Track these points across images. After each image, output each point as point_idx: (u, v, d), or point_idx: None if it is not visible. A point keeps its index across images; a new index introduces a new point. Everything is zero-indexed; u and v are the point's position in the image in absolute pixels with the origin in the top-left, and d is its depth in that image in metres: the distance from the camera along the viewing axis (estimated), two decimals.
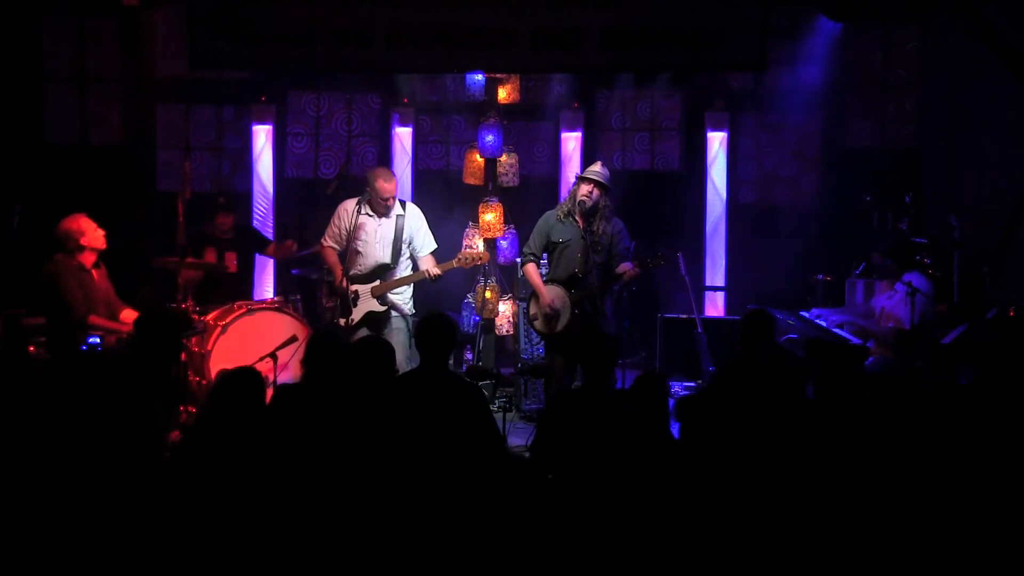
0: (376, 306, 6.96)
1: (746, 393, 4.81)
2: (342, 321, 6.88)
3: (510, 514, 4.51)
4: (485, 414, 4.94)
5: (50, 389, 4.73)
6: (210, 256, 8.03)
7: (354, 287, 6.93)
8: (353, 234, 6.91)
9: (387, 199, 6.90)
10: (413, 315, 7.15)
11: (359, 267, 6.99)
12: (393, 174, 7.07)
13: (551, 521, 4.49)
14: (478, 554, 4.30)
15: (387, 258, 6.99)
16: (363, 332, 6.98)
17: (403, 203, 7.15)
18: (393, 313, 7.01)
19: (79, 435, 4.42)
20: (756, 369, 5.15)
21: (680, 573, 4.22)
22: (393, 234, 6.99)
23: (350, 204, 7.03)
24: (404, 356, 6.89)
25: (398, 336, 6.98)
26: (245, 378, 4.62)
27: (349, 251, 6.92)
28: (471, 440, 4.77)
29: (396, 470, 4.50)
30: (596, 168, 6.87)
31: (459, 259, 7.02)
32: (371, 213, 6.95)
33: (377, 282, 6.97)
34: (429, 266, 6.96)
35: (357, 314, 6.93)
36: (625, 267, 6.67)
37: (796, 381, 4.99)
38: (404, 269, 7.07)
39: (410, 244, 7.05)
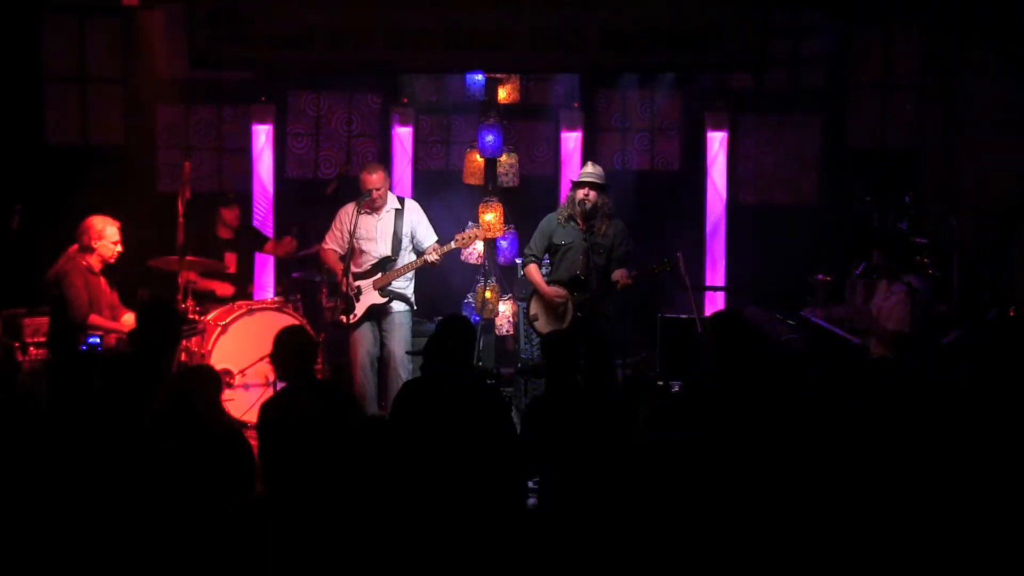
0: (377, 298, 7.02)
1: (736, 395, 4.79)
2: (344, 319, 6.91)
3: (520, 514, 4.55)
4: (505, 416, 4.97)
5: (49, 389, 4.73)
6: (230, 261, 8.05)
7: (356, 283, 6.99)
8: (354, 233, 6.96)
9: (371, 191, 6.95)
10: (415, 310, 7.20)
11: (363, 264, 7.06)
12: (377, 166, 7.12)
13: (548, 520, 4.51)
14: (496, 552, 4.32)
15: (388, 251, 7.06)
16: (365, 327, 7.02)
17: (401, 199, 7.22)
18: (395, 307, 7.05)
19: (78, 435, 4.42)
20: (736, 373, 5.08)
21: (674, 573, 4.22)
22: (392, 228, 7.08)
23: (349, 206, 7.12)
24: (404, 352, 6.92)
25: (400, 331, 7.04)
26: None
27: (354, 250, 6.97)
28: (491, 441, 4.78)
29: (416, 470, 4.51)
30: (588, 169, 6.91)
31: (457, 240, 7.12)
32: (369, 211, 7.00)
33: (379, 275, 7.04)
34: (430, 252, 7.01)
35: (360, 309, 6.99)
36: (617, 275, 6.69)
37: (795, 382, 4.99)
38: (405, 262, 7.12)
39: (412, 239, 7.12)
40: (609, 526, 4.30)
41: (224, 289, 7.95)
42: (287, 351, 4.92)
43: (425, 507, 4.40)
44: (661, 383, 8.45)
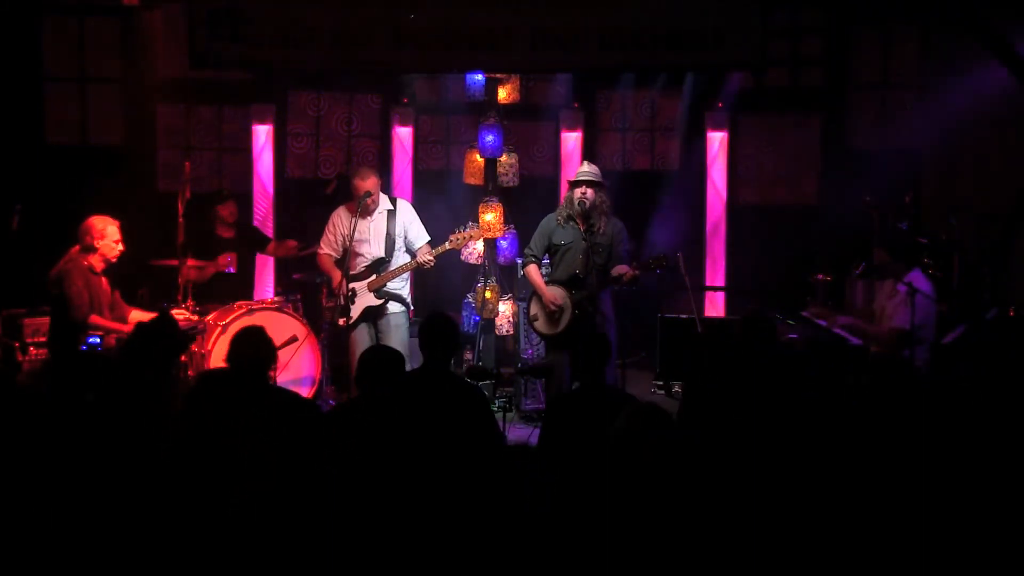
0: (373, 300, 7.02)
1: (747, 394, 4.81)
2: (341, 321, 6.91)
3: (512, 513, 4.51)
4: (486, 414, 4.95)
5: (49, 388, 4.73)
6: (225, 260, 8.04)
7: (352, 285, 6.98)
8: (349, 237, 6.94)
9: (364, 196, 6.93)
10: (412, 312, 7.20)
11: (357, 266, 7.06)
12: (369, 171, 7.09)
13: (555, 519, 4.49)
14: (480, 554, 4.30)
15: (382, 252, 7.06)
16: (362, 328, 7.01)
17: (393, 200, 7.22)
18: (391, 308, 7.05)
19: (77, 435, 4.42)
20: (755, 371, 5.12)
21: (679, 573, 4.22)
22: (386, 230, 7.07)
23: (342, 210, 7.13)
24: (404, 354, 6.90)
25: (397, 333, 7.04)
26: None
27: (349, 253, 6.97)
28: (473, 440, 4.77)
29: (398, 471, 4.50)
30: (584, 168, 6.91)
31: (451, 241, 7.11)
32: (362, 214, 6.98)
33: (374, 276, 7.03)
34: (422, 254, 6.99)
35: (355, 311, 6.98)
36: (621, 269, 6.70)
37: (796, 384, 4.99)
38: (400, 262, 7.12)
39: (405, 238, 7.10)
40: (614, 527, 4.30)
41: (223, 260, 7.84)
42: (241, 354, 4.84)
43: (401, 504, 4.40)
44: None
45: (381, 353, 5.01)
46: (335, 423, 4.77)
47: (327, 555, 4.16)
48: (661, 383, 8.61)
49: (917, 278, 6.73)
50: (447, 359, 5.12)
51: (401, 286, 7.15)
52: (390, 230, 7.09)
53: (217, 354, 7.19)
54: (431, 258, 7.01)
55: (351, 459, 4.46)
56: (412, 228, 7.15)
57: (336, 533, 4.21)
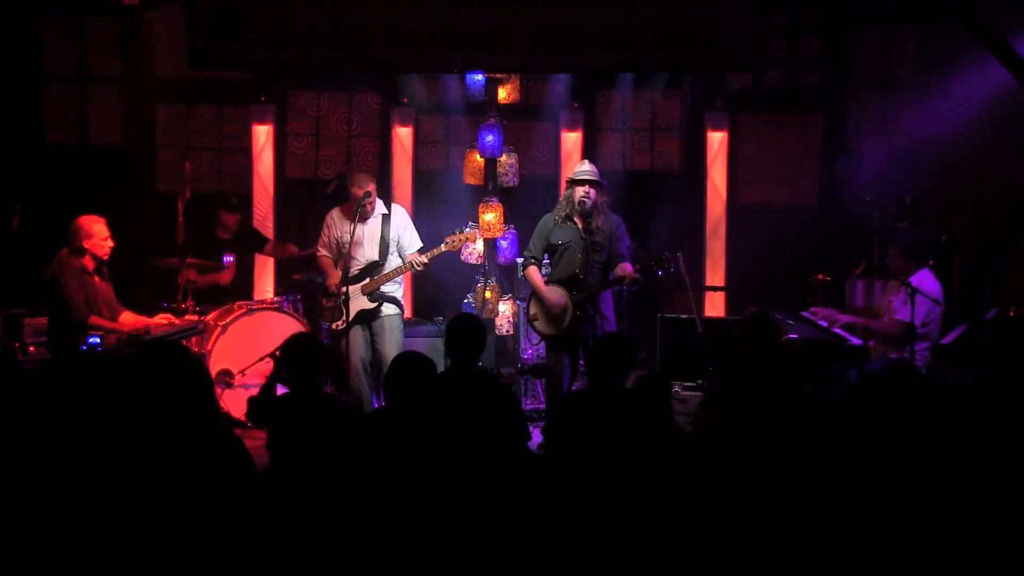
0: (366, 303, 6.98)
1: (750, 395, 4.80)
2: (335, 324, 6.90)
3: (522, 512, 4.53)
4: (516, 412, 4.97)
5: (49, 388, 4.72)
6: (229, 262, 8.05)
7: (345, 287, 6.95)
8: (343, 239, 6.91)
9: (364, 198, 6.91)
10: (409, 314, 7.18)
11: (353, 269, 7.02)
12: (365, 176, 7.04)
13: (566, 519, 4.50)
14: (504, 550, 4.31)
15: (376, 255, 7.03)
16: (356, 331, 6.97)
17: (389, 205, 7.20)
18: (386, 311, 7.01)
19: (77, 435, 4.42)
20: (760, 371, 5.12)
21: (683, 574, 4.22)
22: (380, 233, 7.04)
23: (336, 212, 7.11)
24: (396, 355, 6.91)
25: (392, 335, 7.00)
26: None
27: (343, 255, 6.93)
28: (503, 438, 4.78)
29: (428, 470, 4.51)
30: (586, 167, 6.85)
31: (447, 243, 7.04)
32: (361, 217, 6.97)
33: (367, 280, 7.00)
34: (412, 256, 6.99)
35: (351, 314, 6.95)
36: (625, 268, 6.68)
37: (797, 383, 4.99)
38: (393, 266, 7.10)
39: (397, 243, 7.09)
40: (623, 528, 4.31)
41: (224, 277, 7.92)
42: (297, 358, 4.85)
43: (430, 507, 4.40)
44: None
45: (414, 360, 4.99)
46: (370, 429, 4.78)
47: (359, 555, 4.16)
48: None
49: (926, 277, 6.73)
50: (475, 360, 5.14)
51: (395, 288, 7.10)
52: (384, 234, 7.04)
53: (217, 354, 7.20)
54: (424, 260, 6.95)
55: (386, 464, 4.47)
56: (405, 234, 7.10)
57: (371, 535, 4.21)
